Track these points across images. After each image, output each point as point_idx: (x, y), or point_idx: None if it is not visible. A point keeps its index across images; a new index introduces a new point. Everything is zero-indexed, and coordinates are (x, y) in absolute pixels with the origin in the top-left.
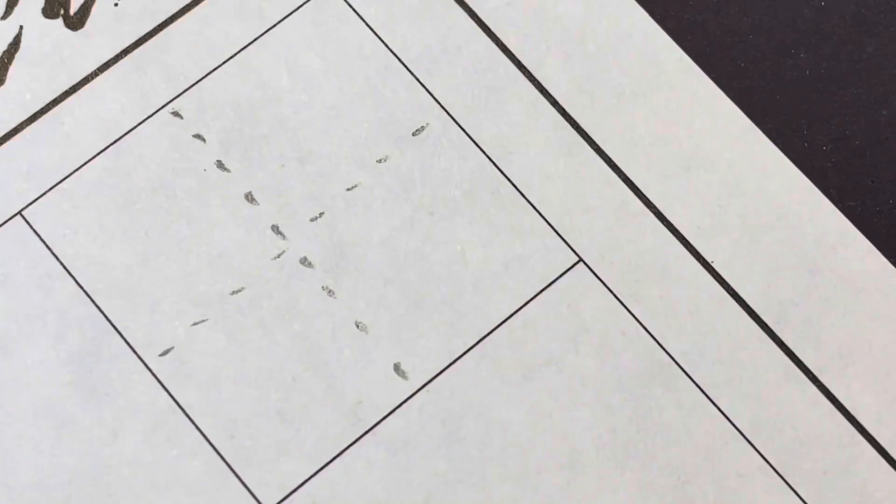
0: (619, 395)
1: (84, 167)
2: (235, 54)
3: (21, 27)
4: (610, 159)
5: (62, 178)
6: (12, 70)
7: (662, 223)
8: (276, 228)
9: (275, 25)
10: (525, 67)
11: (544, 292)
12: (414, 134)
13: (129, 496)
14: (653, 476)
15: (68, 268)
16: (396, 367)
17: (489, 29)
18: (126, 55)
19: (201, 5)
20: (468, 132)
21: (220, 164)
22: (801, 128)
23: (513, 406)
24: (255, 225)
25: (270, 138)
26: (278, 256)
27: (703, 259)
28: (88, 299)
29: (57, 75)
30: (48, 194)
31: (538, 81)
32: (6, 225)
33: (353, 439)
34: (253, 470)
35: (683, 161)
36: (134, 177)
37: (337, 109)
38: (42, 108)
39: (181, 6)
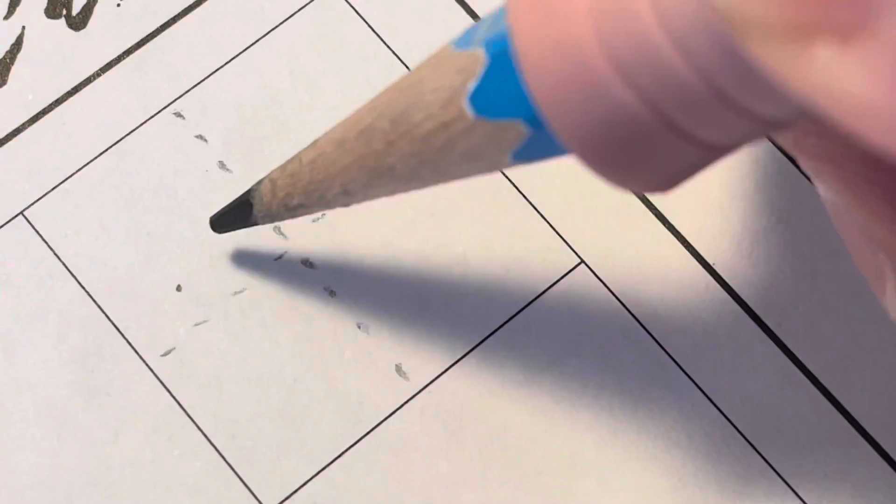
0: (620, 396)
1: (86, 167)
2: (237, 55)
3: (23, 27)
4: None
5: (64, 178)
6: (14, 70)
7: (664, 225)
8: (277, 229)
9: (277, 26)
10: None
11: (546, 294)
12: None
13: (130, 496)
14: (654, 478)
15: (70, 268)
16: (398, 368)
17: None
18: (128, 55)
19: (203, 6)
20: None
21: (221, 165)
22: None
23: (514, 407)
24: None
25: (272, 139)
26: (280, 257)
27: (705, 261)
28: (90, 299)
29: (59, 75)
30: (50, 194)
31: None
32: (8, 225)
33: (355, 440)
34: (254, 470)
35: None
36: (136, 177)
37: (339, 110)
38: (44, 109)
39: (183, 7)
